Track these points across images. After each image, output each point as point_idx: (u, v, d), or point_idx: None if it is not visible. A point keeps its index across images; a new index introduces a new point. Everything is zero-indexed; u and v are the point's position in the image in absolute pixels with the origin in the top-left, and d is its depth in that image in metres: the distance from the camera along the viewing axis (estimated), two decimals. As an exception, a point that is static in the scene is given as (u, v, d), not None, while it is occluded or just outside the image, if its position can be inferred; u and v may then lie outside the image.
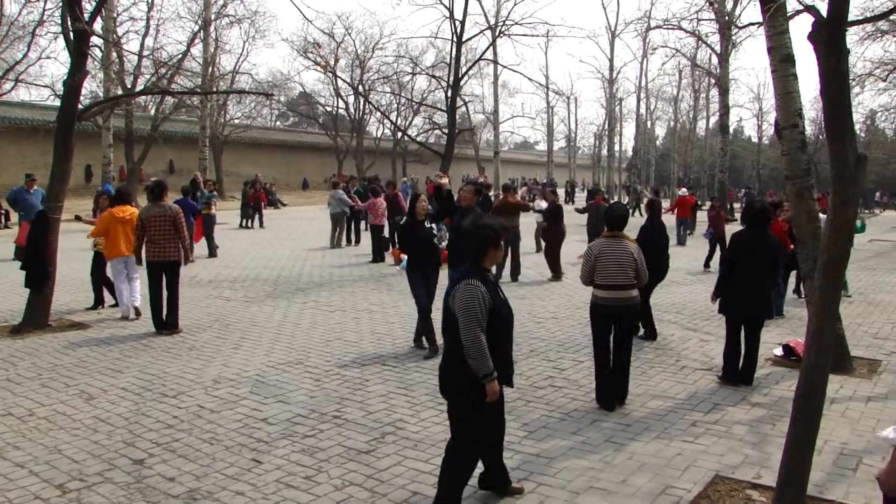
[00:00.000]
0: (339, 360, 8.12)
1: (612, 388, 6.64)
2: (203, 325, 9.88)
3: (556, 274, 14.40)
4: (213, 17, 34.12)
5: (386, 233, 17.44)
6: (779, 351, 8.50)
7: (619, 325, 6.64)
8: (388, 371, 7.73)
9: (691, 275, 15.11)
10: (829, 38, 3.78)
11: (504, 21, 22.05)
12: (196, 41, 34.01)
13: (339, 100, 55.38)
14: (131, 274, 10.45)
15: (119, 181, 33.98)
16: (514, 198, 15.34)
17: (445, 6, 18.78)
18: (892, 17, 18.53)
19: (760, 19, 8.35)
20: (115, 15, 27.96)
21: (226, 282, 13.54)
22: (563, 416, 6.35)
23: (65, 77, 10.30)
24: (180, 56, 31.33)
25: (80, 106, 10.49)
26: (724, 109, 35.53)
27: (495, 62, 29.95)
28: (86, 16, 10.18)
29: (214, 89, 35.26)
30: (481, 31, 24.68)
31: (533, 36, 23.06)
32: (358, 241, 20.63)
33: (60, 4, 10.17)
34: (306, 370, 7.73)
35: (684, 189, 31.31)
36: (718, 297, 7.58)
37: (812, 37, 4.02)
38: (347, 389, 7.04)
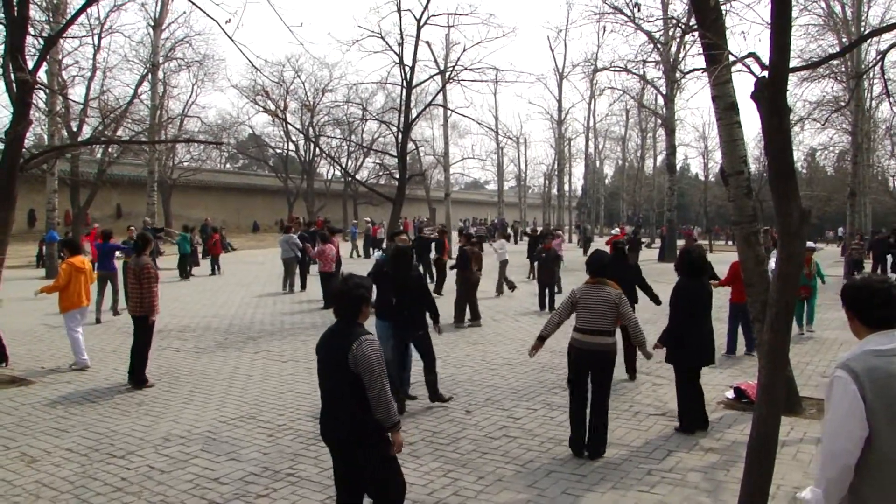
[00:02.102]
0: (293, 414, 7.99)
1: (584, 434, 6.67)
2: (153, 379, 9.63)
3: (474, 318, 14.41)
4: (160, 60, 33.87)
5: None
6: (730, 394, 8.61)
7: (595, 371, 6.66)
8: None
9: (639, 314, 15.22)
10: (772, 97, 3.89)
11: (453, 66, 22.30)
12: (144, 84, 33.72)
13: (290, 142, 55.32)
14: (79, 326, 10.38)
15: (64, 226, 33.31)
16: (471, 247, 15.43)
17: (395, 53, 18.95)
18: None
19: (704, 66, 8.59)
20: (60, 57, 27.58)
21: (175, 331, 13.29)
22: (519, 468, 6.32)
23: (6, 127, 10.11)
24: (126, 103, 30.97)
25: (22, 156, 10.29)
26: (671, 149, 36.32)
27: (445, 107, 30.20)
28: (29, 64, 10.04)
29: (163, 135, 34.95)
30: (431, 77, 24.94)
31: (482, 81, 23.51)
32: (304, 286, 20.44)
33: (2, 53, 9.99)
34: (259, 425, 7.59)
35: (616, 229, 32.11)
36: (665, 345, 7.67)
37: (755, 95, 4.14)
38: (301, 445, 6.93)
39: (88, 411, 8.13)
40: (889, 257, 25.06)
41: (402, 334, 8.38)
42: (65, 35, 17.47)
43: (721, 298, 12.14)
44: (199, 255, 27.13)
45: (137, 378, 9.30)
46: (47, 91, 23.06)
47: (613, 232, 29.10)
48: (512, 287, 19.37)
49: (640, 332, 6.80)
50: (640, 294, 10.45)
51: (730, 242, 46.29)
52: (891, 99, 14.91)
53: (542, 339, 6.89)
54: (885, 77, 10.37)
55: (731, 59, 7.28)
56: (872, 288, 2.95)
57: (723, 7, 8.03)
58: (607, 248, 22.06)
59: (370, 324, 4.92)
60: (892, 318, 2.92)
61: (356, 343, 4.17)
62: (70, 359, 10.49)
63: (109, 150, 33.96)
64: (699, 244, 14.00)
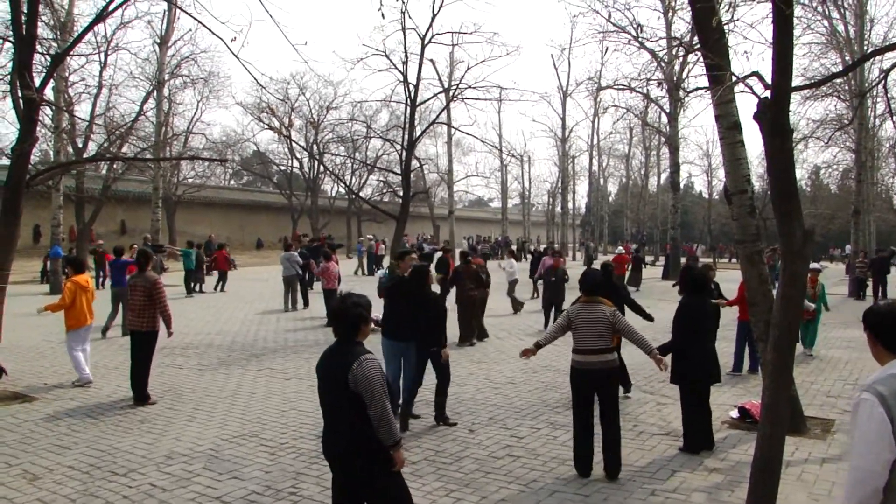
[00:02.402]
0: (295, 432, 7.97)
1: (589, 453, 6.65)
2: (155, 396, 9.62)
3: (468, 337, 14.31)
4: (166, 77, 34.07)
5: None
6: (734, 413, 8.58)
7: (600, 392, 6.64)
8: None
9: (649, 334, 15.17)
10: (774, 119, 3.90)
11: (457, 85, 22.38)
12: (149, 101, 33.90)
13: (294, 159, 55.50)
14: (86, 343, 10.52)
15: (69, 242, 33.37)
16: (474, 265, 15.51)
17: (400, 71, 19.04)
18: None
19: (707, 84, 8.61)
20: (66, 74, 27.76)
21: (178, 348, 13.27)
22: (522, 488, 6.29)
23: (13, 143, 10.16)
24: (132, 120, 31.10)
25: (28, 172, 10.35)
26: (675, 167, 36.37)
27: (449, 125, 30.32)
28: (36, 81, 10.11)
29: (167, 151, 35.03)
30: (435, 95, 25.03)
31: (486, 99, 23.61)
32: (306, 303, 20.44)
33: (10, 71, 10.07)
34: (261, 443, 7.57)
35: (620, 247, 32.26)
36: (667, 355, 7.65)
37: (757, 116, 4.16)
38: (303, 463, 6.91)
39: (91, 428, 8.12)
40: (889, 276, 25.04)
41: (421, 352, 8.36)
42: (72, 53, 17.58)
43: (728, 317, 12.13)
44: (204, 272, 27.09)
45: (140, 395, 9.30)
46: (53, 108, 23.18)
47: (618, 250, 29.33)
48: (519, 306, 19.33)
49: (644, 343, 6.74)
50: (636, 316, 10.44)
51: (733, 260, 46.21)
52: (894, 117, 14.94)
53: (537, 346, 6.93)
54: (889, 95, 10.41)
55: (734, 79, 7.30)
56: None
57: (725, 27, 8.06)
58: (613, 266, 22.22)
59: (372, 342, 4.90)
60: None
61: (356, 363, 4.16)
62: (73, 375, 10.49)
63: (114, 166, 34.13)
64: (706, 263, 14.05)
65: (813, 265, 13.58)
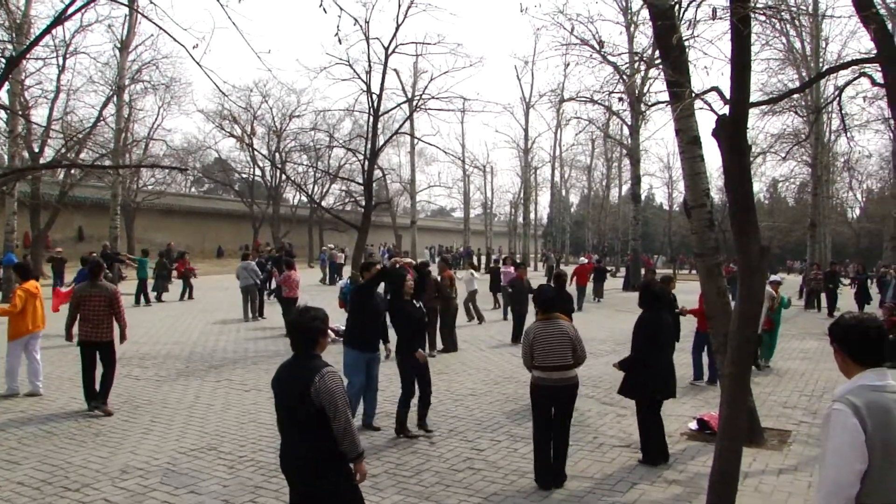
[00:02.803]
0: (254, 445, 7.87)
1: (550, 468, 6.67)
2: (112, 408, 9.43)
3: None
4: (126, 83, 33.60)
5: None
6: (693, 425, 8.66)
7: (558, 406, 6.67)
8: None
9: (604, 345, 15.30)
10: (732, 136, 3.95)
11: (421, 95, 22.39)
12: (109, 106, 33.38)
13: (256, 167, 55.06)
14: (35, 352, 10.24)
15: (23, 248, 32.68)
16: (448, 273, 15.76)
17: (363, 80, 18.97)
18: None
19: (668, 98, 8.71)
20: (22, 77, 27.24)
21: (135, 359, 13.05)
22: (482, 501, 6.28)
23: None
24: (91, 126, 30.62)
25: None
26: (636, 179, 36.79)
27: (412, 135, 30.32)
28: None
29: (127, 158, 34.59)
30: (398, 105, 25.00)
31: (449, 110, 23.71)
32: (261, 313, 20.18)
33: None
34: (219, 456, 7.46)
35: (583, 258, 32.54)
36: (624, 370, 7.71)
37: (716, 133, 4.21)
38: (262, 477, 6.82)
39: (42, 442, 7.93)
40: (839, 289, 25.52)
41: (407, 361, 8.37)
42: (28, 56, 17.28)
43: (686, 327, 12.27)
44: (169, 281, 26.65)
45: (105, 401, 9.33)
46: (8, 112, 22.75)
47: (581, 260, 29.61)
48: (479, 317, 19.33)
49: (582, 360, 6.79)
50: (607, 325, 10.56)
51: (693, 272, 46.79)
52: (848, 133, 15.24)
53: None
54: (843, 112, 10.61)
55: (694, 94, 7.40)
56: (864, 326, 3.01)
57: (686, 42, 8.17)
58: (575, 277, 22.48)
59: (331, 352, 4.86)
60: (882, 357, 2.98)
61: (318, 376, 4.13)
62: (26, 387, 10.25)
63: (72, 172, 33.56)
64: (666, 276, 14.31)
65: (773, 277, 13.79)
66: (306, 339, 4.32)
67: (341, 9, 7.36)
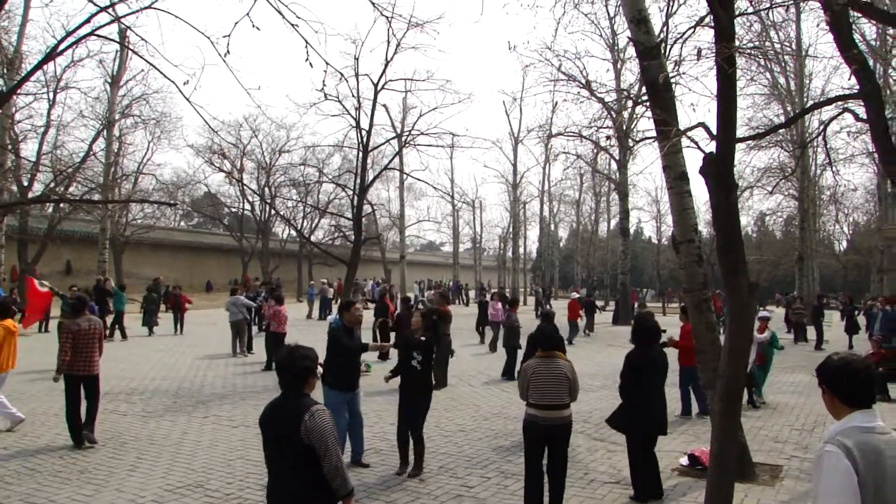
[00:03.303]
0: (242, 483, 7.78)
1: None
2: (96, 445, 9.34)
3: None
4: (116, 117, 33.70)
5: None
6: (684, 460, 8.62)
7: (553, 445, 6.61)
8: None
9: (595, 380, 15.27)
10: (719, 174, 3.99)
11: (409, 131, 22.57)
12: (99, 140, 33.43)
13: (245, 201, 55.07)
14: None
15: (10, 282, 32.46)
16: (446, 307, 15.68)
17: (352, 116, 19.12)
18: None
19: (654, 133, 8.81)
20: (12, 112, 27.28)
21: (122, 394, 12.93)
22: (474, 539, 6.22)
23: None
24: (81, 160, 30.62)
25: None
26: (624, 213, 37.00)
27: (401, 171, 30.49)
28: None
29: (116, 192, 34.56)
30: (387, 141, 25.20)
31: (438, 146, 23.88)
32: (250, 347, 20.03)
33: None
34: (206, 494, 7.38)
35: (574, 293, 32.64)
36: (617, 425, 7.70)
37: (703, 171, 4.25)
38: (249, 515, 6.74)
39: (26, 480, 7.82)
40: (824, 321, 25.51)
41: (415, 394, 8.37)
42: (19, 91, 17.33)
43: (673, 362, 12.26)
44: (157, 314, 26.51)
45: (91, 435, 9.38)
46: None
47: (574, 295, 29.85)
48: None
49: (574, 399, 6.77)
50: (597, 359, 10.54)
51: (682, 304, 46.90)
52: (833, 167, 15.42)
53: None
54: (828, 146, 10.75)
55: (681, 130, 7.48)
56: (852, 368, 2.99)
57: (672, 79, 8.29)
58: (567, 311, 22.44)
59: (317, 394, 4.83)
60: (871, 398, 2.97)
61: (308, 415, 4.11)
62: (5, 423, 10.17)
63: (61, 206, 33.47)
64: (647, 311, 14.41)
65: (762, 313, 13.81)
66: (295, 378, 4.30)
67: (327, 63, 7.41)
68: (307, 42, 6.76)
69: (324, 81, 10.05)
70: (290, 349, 4.42)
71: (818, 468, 2.87)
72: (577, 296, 30.64)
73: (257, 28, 6.77)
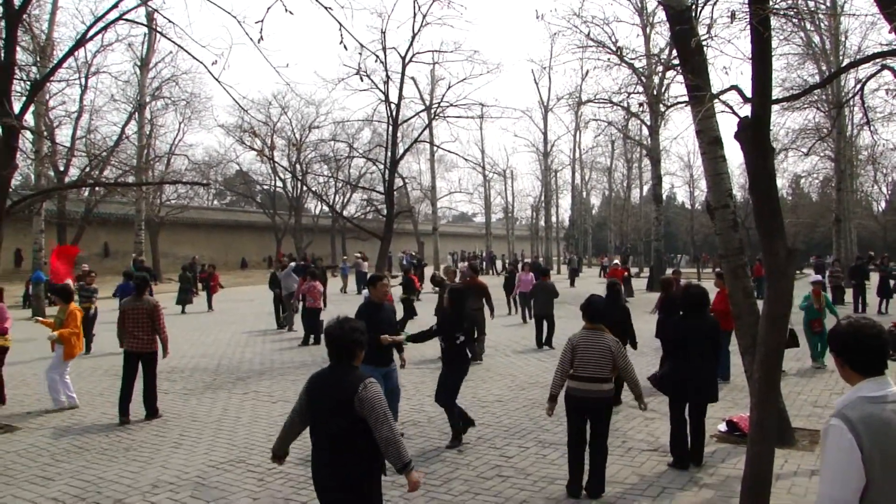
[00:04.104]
0: (283, 457, 7.89)
1: (581, 478, 6.62)
2: (140, 422, 9.55)
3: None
4: (147, 100, 34.00)
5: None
6: (722, 426, 8.58)
7: (594, 417, 6.59)
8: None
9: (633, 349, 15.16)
10: (755, 139, 3.92)
11: (439, 104, 22.48)
12: (131, 123, 33.82)
13: (277, 179, 55.41)
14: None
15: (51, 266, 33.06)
16: (479, 280, 15.52)
17: (381, 90, 19.07)
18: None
19: (686, 97, 8.66)
20: (46, 99, 27.65)
21: (163, 372, 13.08)
22: (513, 509, 6.27)
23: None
24: (114, 144, 31.02)
25: (8, 200, 10.24)
26: (657, 179, 36.55)
27: (431, 143, 30.42)
28: (16, 107, 10.03)
29: (150, 173, 34.95)
30: (417, 114, 25.16)
31: (468, 117, 23.80)
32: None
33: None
34: (248, 469, 7.51)
35: (616, 260, 32.34)
36: (663, 389, 7.64)
37: (738, 136, 4.18)
38: (291, 489, 6.84)
39: (75, 458, 8.02)
40: (867, 283, 24.93)
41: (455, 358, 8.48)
42: (52, 78, 17.52)
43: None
44: (194, 293, 26.95)
45: (153, 410, 9.89)
46: (34, 134, 23.07)
47: (614, 263, 29.64)
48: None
49: (636, 385, 6.69)
50: (634, 326, 10.53)
51: (717, 270, 46.46)
52: (871, 127, 15.08)
53: (552, 399, 6.72)
54: (865, 105, 10.47)
55: (714, 94, 7.35)
56: (862, 334, 2.91)
57: (703, 43, 8.13)
58: (605, 281, 22.18)
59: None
60: (883, 365, 2.90)
61: (361, 386, 4.13)
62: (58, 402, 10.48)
63: (96, 189, 33.98)
64: (666, 278, 14.18)
65: (815, 277, 13.59)
66: (346, 349, 4.32)
67: (361, 45, 7.41)
68: (341, 25, 6.73)
69: (360, 65, 10.02)
70: (340, 321, 4.42)
71: (823, 442, 2.83)
72: (618, 262, 30.36)
73: (290, 13, 6.77)
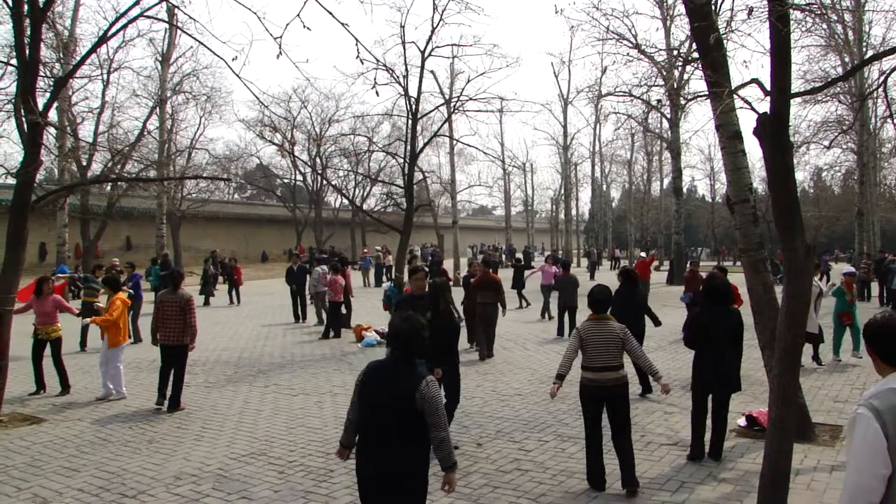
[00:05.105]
0: (303, 450, 7.98)
1: (603, 468, 6.65)
2: (163, 415, 9.67)
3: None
4: (168, 94, 34.23)
5: (344, 309, 17.59)
6: (742, 421, 8.56)
7: (612, 406, 6.60)
8: (353, 461, 7.59)
9: (650, 341, 15.13)
10: (774, 135, 3.92)
11: (458, 97, 22.47)
12: (152, 118, 34.06)
13: (297, 172, 55.62)
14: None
15: (74, 259, 33.47)
16: (493, 274, 15.47)
17: (400, 84, 19.07)
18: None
19: (706, 91, 8.62)
20: (69, 94, 27.92)
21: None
22: (531, 502, 6.30)
23: (18, 166, 10.17)
24: (135, 139, 31.30)
25: (34, 195, 10.36)
26: (677, 173, 36.36)
27: (451, 137, 30.42)
28: (40, 103, 10.14)
29: (171, 169, 35.21)
30: (436, 108, 25.11)
31: (487, 111, 23.73)
32: (304, 317, 20.40)
33: (14, 96, 10.11)
34: (269, 461, 7.59)
35: (643, 252, 32.16)
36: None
37: (757, 132, 4.18)
38: (312, 482, 6.92)
39: (100, 450, 8.14)
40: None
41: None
42: (74, 74, 17.69)
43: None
44: (214, 286, 27.18)
45: (175, 403, 10.03)
46: (57, 130, 23.31)
47: (640, 255, 29.45)
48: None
49: (650, 364, 6.73)
50: (648, 322, 10.54)
51: (737, 263, 46.10)
52: (894, 120, 14.92)
53: (560, 378, 6.75)
54: (889, 97, 10.37)
55: (734, 87, 7.32)
56: (893, 327, 2.96)
57: (722, 36, 8.09)
58: (636, 271, 22.21)
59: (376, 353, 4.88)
60: None
61: (424, 383, 4.17)
62: (90, 395, 10.87)
63: (119, 184, 34.31)
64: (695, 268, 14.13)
65: (848, 269, 13.51)
66: (412, 344, 4.34)
67: (377, 60, 7.47)
68: (357, 40, 6.82)
69: (374, 79, 10.03)
70: (405, 317, 4.46)
71: (850, 431, 2.87)
72: (645, 255, 30.13)
73: (308, 28, 6.87)
